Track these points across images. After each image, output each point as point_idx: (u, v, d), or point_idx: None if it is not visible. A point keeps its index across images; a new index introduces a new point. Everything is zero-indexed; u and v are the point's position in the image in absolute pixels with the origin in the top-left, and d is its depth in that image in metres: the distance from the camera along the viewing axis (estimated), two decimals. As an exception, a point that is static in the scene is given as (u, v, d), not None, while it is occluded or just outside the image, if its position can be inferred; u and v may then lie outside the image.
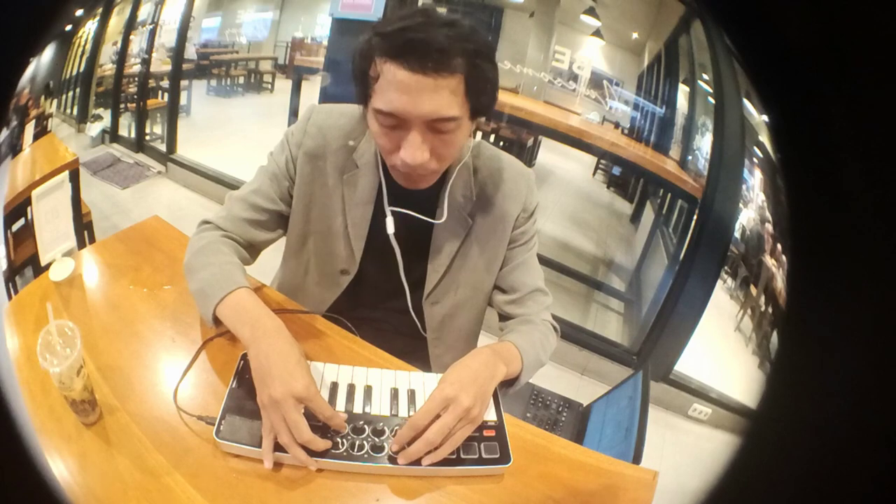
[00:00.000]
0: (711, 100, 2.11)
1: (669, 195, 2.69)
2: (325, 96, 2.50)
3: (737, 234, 2.09)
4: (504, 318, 0.94)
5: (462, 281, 0.90)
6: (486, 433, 0.69)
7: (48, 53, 2.60)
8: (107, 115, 3.44)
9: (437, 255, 0.87)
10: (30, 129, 1.91)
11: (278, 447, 0.63)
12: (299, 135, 0.86)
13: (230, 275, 0.76)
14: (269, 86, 5.01)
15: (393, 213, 0.83)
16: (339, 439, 0.65)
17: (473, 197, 0.85)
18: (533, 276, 0.93)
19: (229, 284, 0.74)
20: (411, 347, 0.93)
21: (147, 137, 3.45)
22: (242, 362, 0.74)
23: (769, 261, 2.11)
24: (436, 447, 0.64)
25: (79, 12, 3.01)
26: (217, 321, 0.74)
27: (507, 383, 0.80)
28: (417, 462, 0.64)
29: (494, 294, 0.94)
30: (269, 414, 0.63)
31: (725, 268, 2.14)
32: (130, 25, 3.38)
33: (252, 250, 0.88)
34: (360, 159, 0.84)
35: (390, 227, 0.83)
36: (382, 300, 0.94)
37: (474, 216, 0.86)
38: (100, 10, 3.23)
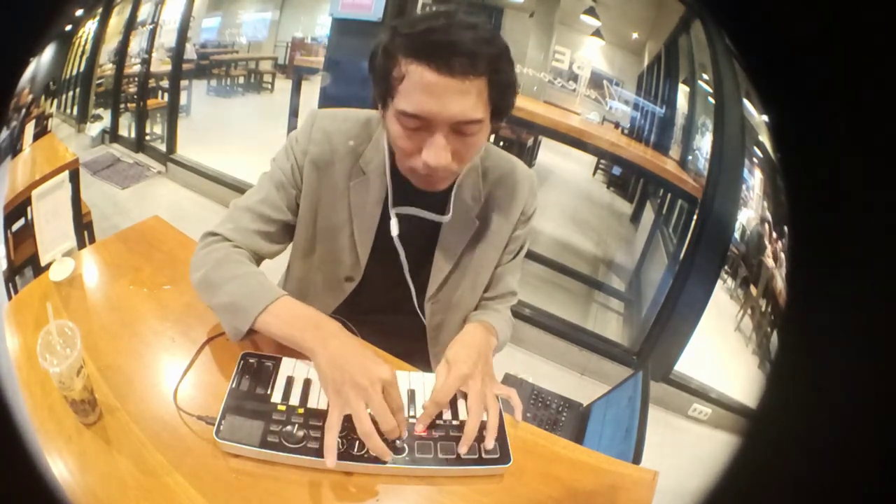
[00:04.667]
0: (711, 100, 2.11)
1: (669, 195, 2.69)
2: (325, 96, 2.50)
3: (737, 234, 2.09)
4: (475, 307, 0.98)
5: (464, 281, 0.90)
6: (486, 433, 0.69)
7: (48, 53, 2.60)
8: (107, 115, 3.44)
9: (443, 256, 0.87)
10: (30, 129, 1.91)
11: (274, 446, 0.63)
12: (304, 142, 0.84)
13: (265, 285, 0.75)
14: (269, 86, 5.01)
15: (400, 215, 0.84)
16: (339, 439, 0.65)
17: (482, 199, 0.86)
18: (514, 279, 0.98)
19: (271, 293, 0.73)
20: (411, 348, 0.93)
21: (147, 137, 3.44)
22: (242, 362, 0.74)
23: (769, 261, 2.11)
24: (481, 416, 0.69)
25: (79, 12, 3.01)
26: (249, 333, 0.73)
27: None
28: (420, 460, 0.65)
29: None
30: (348, 401, 0.62)
31: (725, 268, 2.14)
32: (130, 25, 3.38)
33: (258, 261, 0.87)
34: (368, 166, 0.83)
35: (395, 229, 0.83)
36: (385, 304, 0.93)
37: (481, 218, 0.86)
38: (100, 10, 3.22)
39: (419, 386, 0.76)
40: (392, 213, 0.83)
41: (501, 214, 0.87)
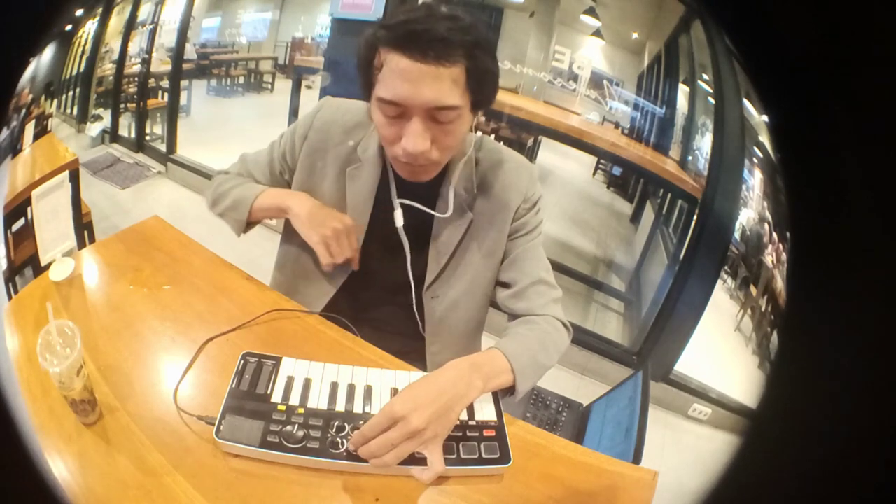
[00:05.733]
0: (711, 100, 2.11)
1: (669, 195, 2.69)
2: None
3: (737, 234, 2.09)
4: (511, 316, 0.90)
5: (461, 274, 0.89)
6: (486, 433, 0.69)
7: (48, 53, 2.59)
8: (107, 115, 3.44)
9: (439, 248, 0.87)
10: (30, 129, 1.91)
11: (274, 446, 0.63)
12: (305, 127, 0.90)
13: (256, 186, 0.94)
14: (269, 86, 5.01)
15: (402, 204, 0.85)
16: (339, 439, 0.65)
17: (474, 189, 0.86)
18: (535, 267, 0.88)
19: (259, 187, 0.93)
20: (410, 347, 0.92)
21: (147, 137, 3.44)
22: (242, 362, 0.74)
23: (769, 261, 2.11)
24: (379, 457, 0.61)
25: (79, 12, 3.01)
26: (249, 226, 0.93)
27: (509, 390, 0.76)
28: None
29: (497, 290, 0.92)
30: (325, 237, 0.83)
31: (725, 268, 2.13)
32: (130, 25, 3.38)
33: None
34: (364, 153, 0.86)
35: (399, 219, 0.85)
36: (383, 297, 0.93)
37: (474, 208, 0.86)
38: (100, 10, 3.23)
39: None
40: (395, 203, 0.85)
41: (496, 203, 0.86)
